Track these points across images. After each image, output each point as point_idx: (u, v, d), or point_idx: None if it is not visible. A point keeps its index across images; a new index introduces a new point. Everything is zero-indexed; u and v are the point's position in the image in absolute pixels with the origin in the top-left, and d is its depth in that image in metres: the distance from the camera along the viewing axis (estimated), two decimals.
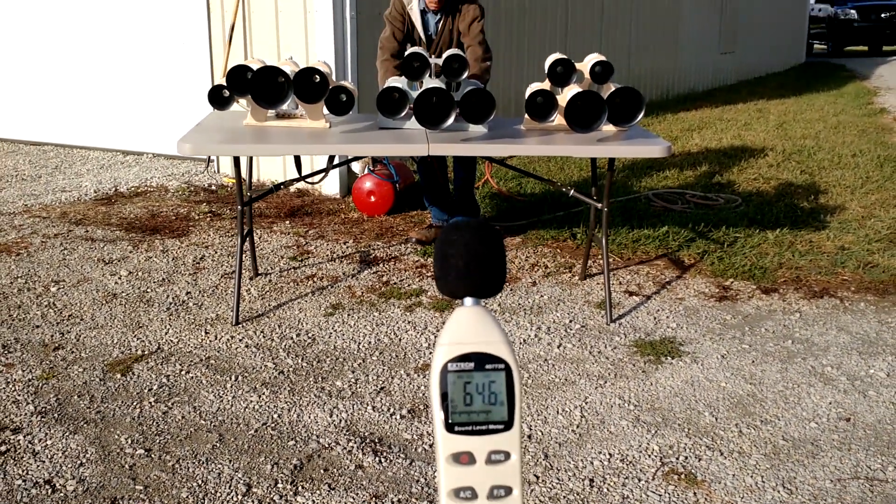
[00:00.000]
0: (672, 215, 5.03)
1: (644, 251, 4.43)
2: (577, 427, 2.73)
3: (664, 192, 5.59)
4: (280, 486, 2.38)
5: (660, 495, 2.37)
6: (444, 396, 0.67)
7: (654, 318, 3.58)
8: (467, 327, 0.68)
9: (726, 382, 3.02)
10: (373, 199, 5.04)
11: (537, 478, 2.45)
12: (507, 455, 0.68)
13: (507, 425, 0.68)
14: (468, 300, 0.70)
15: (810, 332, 3.46)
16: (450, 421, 0.67)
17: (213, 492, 2.35)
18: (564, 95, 3.56)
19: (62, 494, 2.32)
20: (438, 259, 0.70)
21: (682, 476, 2.46)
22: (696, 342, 3.35)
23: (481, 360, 0.67)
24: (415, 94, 3.37)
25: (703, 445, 2.62)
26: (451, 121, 3.32)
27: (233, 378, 3.00)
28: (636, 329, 3.47)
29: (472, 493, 0.67)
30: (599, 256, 4.11)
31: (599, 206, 3.62)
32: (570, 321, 3.55)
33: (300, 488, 2.37)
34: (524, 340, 3.37)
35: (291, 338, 3.34)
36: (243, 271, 3.96)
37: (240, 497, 2.33)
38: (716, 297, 3.82)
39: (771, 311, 3.67)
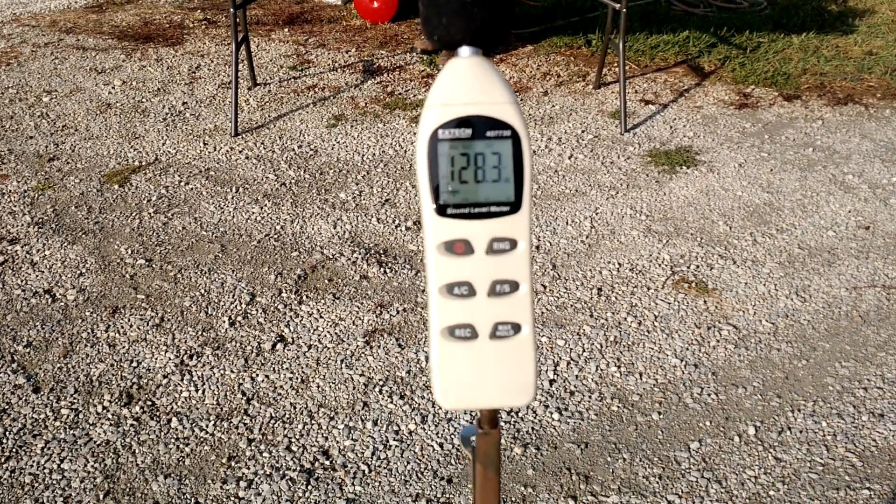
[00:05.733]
0: (693, 19, 4.75)
1: (662, 58, 4.21)
2: (587, 237, 2.66)
3: None
4: (284, 295, 2.35)
5: (669, 303, 2.33)
6: (433, 171, 0.54)
7: (671, 127, 3.43)
8: (464, 83, 0.54)
9: (743, 191, 2.92)
10: (376, 4, 4.76)
11: (544, 287, 2.41)
12: (514, 243, 0.55)
13: (514, 207, 0.55)
14: (465, 49, 0.54)
15: (832, 139, 3.32)
16: (441, 202, 0.54)
17: (216, 301, 2.32)
18: None
19: (62, 304, 2.29)
20: None
21: (693, 284, 2.41)
22: (713, 151, 3.22)
23: (482, 126, 0.54)
24: None
25: (716, 254, 2.56)
26: None
27: (233, 189, 2.92)
28: (651, 139, 3.33)
29: (468, 288, 0.55)
30: (615, 64, 3.91)
31: (617, 6, 3.38)
32: (583, 131, 3.41)
33: (305, 297, 2.34)
34: (534, 152, 3.24)
35: (293, 149, 3.23)
36: (241, 81, 3.79)
37: (244, 306, 2.30)
38: (735, 105, 3.65)
39: (792, 119, 3.51)
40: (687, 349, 2.16)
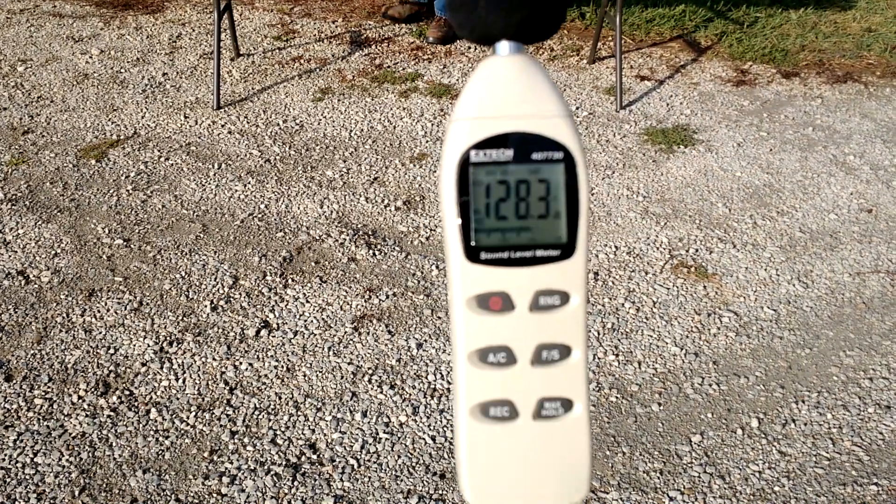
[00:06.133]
0: None
1: (658, 32, 4.11)
2: None
3: None
4: (269, 278, 2.26)
5: (668, 289, 2.26)
6: (463, 204, 0.42)
7: (667, 105, 3.34)
8: (503, 90, 0.42)
9: (742, 172, 2.84)
10: None
11: None
12: (565, 297, 0.44)
13: (566, 251, 0.43)
14: (504, 45, 0.43)
15: (832, 118, 3.24)
16: (473, 243, 0.43)
17: (197, 284, 2.23)
18: None
19: (36, 286, 2.19)
20: None
21: (692, 269, 2.34)
22: (710, 129, 3.14)
23: (526, 145, 0.42)
24: None
25: (715, 238, 2.48)
26: None
27: (216, 166, 2.81)
28: (647, 116, 3.24)
29: (507, 355, 0.44)
30: (609, 38, 3.81)
31: None
32: (577, 108, 3.31)
33: (290, 281, 2.25)
34: None
35: (277, 124, 3.12)
36: (223, 51, 3.66)
37: (226, 289, 2.21)
38: (733, 82, 3.56)
39: (791, 97, 3.43)
40: (687, 337, 2.09)
